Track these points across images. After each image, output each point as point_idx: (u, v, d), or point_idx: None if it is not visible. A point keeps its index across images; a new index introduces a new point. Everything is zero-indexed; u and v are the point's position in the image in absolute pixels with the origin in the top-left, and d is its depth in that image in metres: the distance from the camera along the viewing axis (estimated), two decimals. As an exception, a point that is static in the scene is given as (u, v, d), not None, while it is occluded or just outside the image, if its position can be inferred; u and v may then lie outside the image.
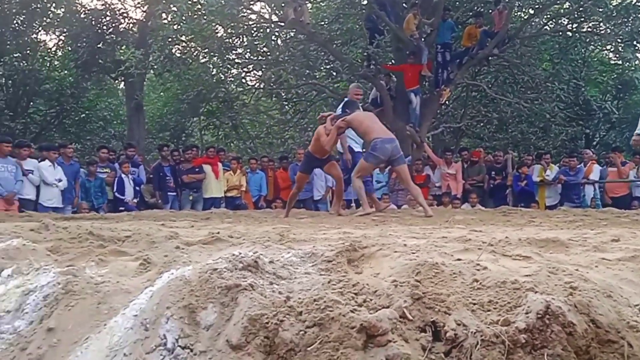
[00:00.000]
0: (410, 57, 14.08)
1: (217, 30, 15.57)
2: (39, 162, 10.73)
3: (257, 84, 18.56)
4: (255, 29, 16.07)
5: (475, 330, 1.76)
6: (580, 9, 15.63)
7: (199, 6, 14.23)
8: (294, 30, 15.28)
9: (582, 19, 16.73)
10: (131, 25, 20.41)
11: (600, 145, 21.57)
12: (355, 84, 10.35)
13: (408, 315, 1.85)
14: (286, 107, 19.47)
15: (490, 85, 18.05)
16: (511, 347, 1.72)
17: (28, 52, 19.83)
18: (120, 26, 20.08)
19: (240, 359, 1.76)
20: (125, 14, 20.11)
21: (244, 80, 18.34)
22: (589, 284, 1.98)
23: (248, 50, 16.65)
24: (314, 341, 1.74)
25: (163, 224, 5.51)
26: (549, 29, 17.51)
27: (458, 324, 1.80)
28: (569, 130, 18.91)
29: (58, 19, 19.95)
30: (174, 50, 16.13)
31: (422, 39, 14.23)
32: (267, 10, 16.18)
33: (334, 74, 17.48)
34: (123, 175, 11.86)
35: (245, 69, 17.46)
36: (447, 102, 16.43)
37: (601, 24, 16.40)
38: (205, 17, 14.15)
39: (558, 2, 16.06)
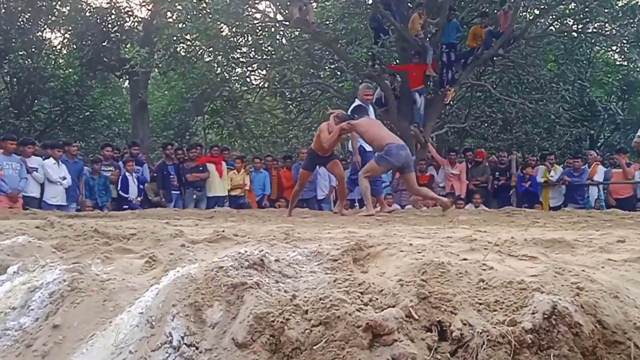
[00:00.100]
0: (415, 57, 14.07)
1: (222, 29, 15.58)
2: (44, 159, 10.74)
3: (262, 83, 18.58)
4: (260, 28, 16.07)
5: (482, 330, 1.76)
6: (586, 9, 15.58)
7: (204, 5, 14.23)
8: (299, 29, 15.27)
9: (588, 20, 16.69)
10: (136, 23, 20.42)
11: (604, 147, 21.51)
12: (365, 85, 10.29)
13: (414, 314, 1.84)
14: (290, 106, 19.46)
15: (494, 86, 18.05)
16: (517, 347, 1.72)
17: (33, 50, 19.81)
18: (125, 24, 20.06)
19: (245, 357, 1.76)
20: (130, 13, 20.12)
21: (248, 80, 18.39)
22: (596, 284, 1.97)
23: (253, 49, 16.63)
24: (320, 340, 1.74)
25: (167, 222, 5.51)
26: (554, 29, 17.46)
27: (464, 324, 1.80)
28: (573, 131, 18.85)
29: (63, 17, 19.96)
30: (178, 49, 16.12)
31: (427, 39, 14.21)
32: (272, 9, 16.17)
33: (339, 73, 17.47)
34: (127, 174, 11.86)
35: (249, 68, 17.46)
36: (451, 102, 16.39)
37: (607, 24, 16.36)
38: (210, 16, 14.14)
39: (563, 2, 16.01)
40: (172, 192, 12.44)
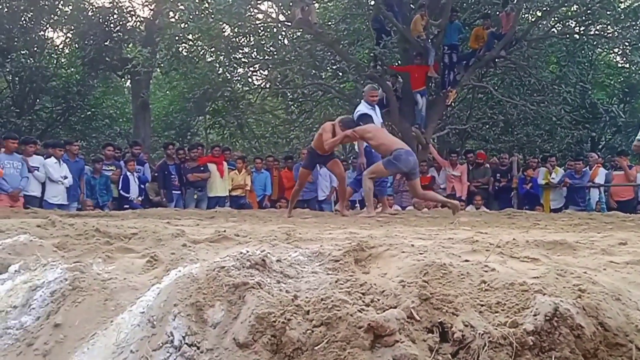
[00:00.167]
0: (417, 58, 14.07)
1: (224, 30, 15.58)
2: (45, 159, 10.76)
3: (263, 84, 18.58)
4: (262, 28, 16.07)
5: (483, 331, 1.75)
6: (588, 11, 15.59)
7: (206, 5, 14.25)
8: (301, 30, 15.26)
9: (590, 22, 16.69)
10: (138, 23, 20.44)
11: (606, 149, 21.50)
12: (371, 86, 10.25)
13: (415, 315, 1.84)
14: (292, 107, 19.45)
15: (496, 87, 18.04)
16: (519, 349, 1.71)
17: (35, 49, 19.85)
18: (127, 24, 20.10)
19: (247, 357, 1.76)
20: (132, 12, 20.17)
21: (250, 80, 18.37)
22: (598, 286, 1.97)
23: (254, 49, 16.63)
24: (321, 340, 1.74)
25: (168, 222, 5.51)
26: (556, 31, 17.46)
27: (466, 325, 1.80)
28: (574, 133, 18.86)
29: (66, 17, 19.99)
30: (180, 49, 16.14)
31: (429, 40, 14.21)
32: (274, 9, 16.18)
33: (340, 74, 17.45)
34: (128, 173, 11.88)
35: (251, 69, 17.44)
36: (453, 103, 16.38)
37: (609, 26, 16.36)
38: (212, 16, 14.15)
39: (566, 4, 16.01)
40: (173, 192, 12.45)
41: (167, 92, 23.96)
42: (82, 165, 11.68)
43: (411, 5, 15.26)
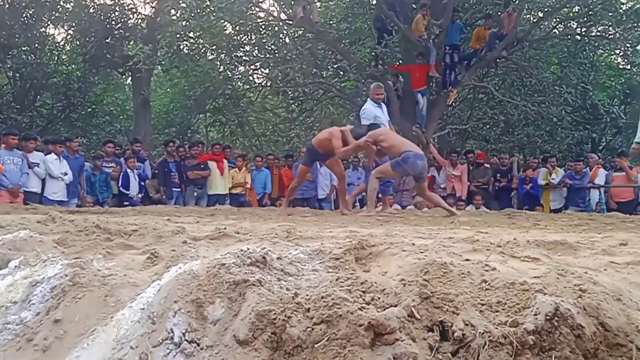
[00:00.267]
0: (419, 58, 14.09)
1: (225, 28, 15.60)
2: (45, 155, 10.75)
3: (264, 82, 18.57)
4: (263, 26, 16.09)
5: (483, 330, 1.75)
6: (590, 12, 15.61)
7: (208, 3, 14.24)
8: (302, 28, 15.27)
9: (592, 23, 16.72)
10: (140, 20, 20.44)
11: (606, 150, 21.50)
12: (376, 83, 10.22)
13: (416, 314, 1.84)
14: (292, 105, 19.44)
15: (497, 88, 18.04)
16: (519, 348, 1.71)
17: (36, 45, 19.84)
18: (129, 21, 20.10)
19: (247, 354, 1.75)
20: (134, 10, 20.16)
21: (251, 78, 18.37)
22: (598, 286, 1.97)
23: (256, 47, 16.65)
24: (322, 338, 1.74)
25: (168, 219, 5.51)
26: (557, 32, 17.50)
27: (466, 324, 1.80)
28: (575, 134, 18.89)
29: (67, 13, 19.98)
30: (182, 47, 16.16)
31: (431, 40, 14.22)
32: (276, 8, 16.20)
33: (342, 73, 17.45)
34: (128, 170, 11.87)
35: (252, 67, 17.43)
36: (454, 103, 16.41)
37: (610, 28, 16.40)
38: (213, 14, 14.15)
39: (567, 5, 16.02)
40: (173, 189, 12.45)
41: (168, 89, 23.95)
42: (82, 161, 11.68)
43: (413, 5, 15.26)
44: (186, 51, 16.31)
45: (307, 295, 1.90)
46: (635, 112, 21.65)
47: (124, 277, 2.35)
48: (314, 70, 16.46)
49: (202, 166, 12.72)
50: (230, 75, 16.99)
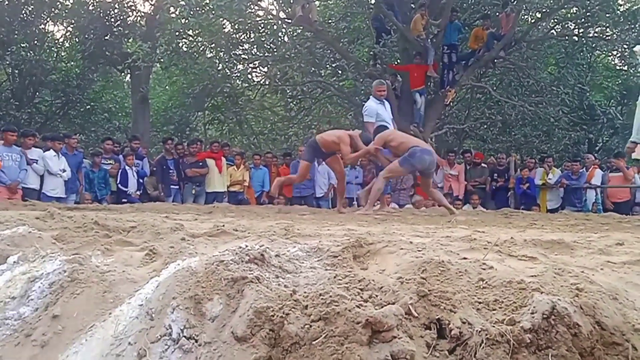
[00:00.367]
0: (417, 58, 14.10)
1: (224, 26, 15.57)
2: (44, 151, 10.75)
3: (263, 80, 18.56)
4: (262, 25, 16.06)
5: (481, 328, 1.76)
6: (588, 13, 15.61)
7: (207, 1, 14.22)
8: (301, 27, 15.26)
9: (589, 24, 16.71)
10: (139, 18, 20.41)
11: (602, 151, 21.54)
12: (379, 81, 10.17)
13: (413, 312, 1.85)
14: (291, 104, 19.43)
15: (495, 88, 18.06)
16: (516, 346, 1.72)
17: (35, 42, 19.81)
18: (128, 19, 20.06)
19: (245, 350, 1.76)
20: (133, 7, 20.11)
21: (249, 76, 18.34)
22: (595, 286, 1.98)
23: (254, 46, 16.63)
24: (319, 335, 1.74)
25: (167, 216, 5.51)
26: (555, 33, 17.52)
27: (463, 322, 1.81)
28: (572, 134, 18.92)
29: (66, 10, 19.93)
30: (180, 44, 16.12)
31: (429, 40, 14.23)
32: (275, 6, 16.20)
33: (340, 72, 17.45)
34: (127, 168, 11.87)
35: (251, 65, 17.41)
36: (451, 103, 16.41)
37: (608, 29, 16.40)
38: (213, 12, 14.13)
39: (565, 6, 16.04)
40: (171, 186, 12.44)
41: (167, 87, 23.94)
42: (80, 158, 11.68)
43: (411, 5, 15.27)
44: (185, 49, 16.27)
45: (305, 292, 1.91)
46: (632, 112, 21.67)
47: (122, 273, 2.36)
48: (313, 69, 16.46)
49: (201, 164, 12.71)
50: (229, 73, 16.96)
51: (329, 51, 16.45)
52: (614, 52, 19.18)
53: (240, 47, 16.68)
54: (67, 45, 21.77)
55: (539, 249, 2.99)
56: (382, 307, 1.84)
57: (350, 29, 17.10)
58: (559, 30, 17.54)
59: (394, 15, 14.05)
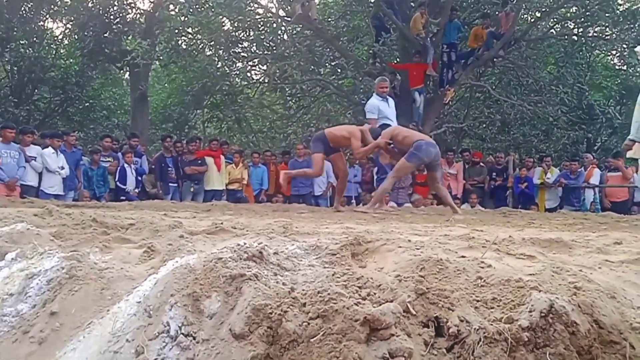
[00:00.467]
0: (416, 56, 14.10)
1: (223, 24, 15.59)
2: (42, 149, 10.74)
3: (262, 79, 18.58)
4: (261, 23, 16.07)
5: (478, 327, 1.76)
6: (587, 13, 15.61)
7: (206, -2, 14.26)
8: (301, 25, 15.27)
9: (589, 24, 16.73)
10: (138, 15, 20.39)
11: (601, 150, 21.54)
12: (381, 77, 10.10)
13: (411, 310, 1.85)
14: (290, 102, 19.44)
15: (494, 87, 18.07)
16: (514, 344, 1.72)
17: (35, 39, 19.79)
18: (127, 16, 20.04)
19: (242, 348, 1.76)
20: (132, 4, 20.10)
21: (248, 74, 18.37)
22: (593, 284, 1.98)
23: (254, 44, 16.63)
24: (317, 333, 1.75)
25: (165, 214, 5.51)
26: (555, 32, 17.52)
27: (461, 320, 1.81)
28: (571, 134, 18.92)
29: (66, 7, 19.90)
30: (180, 42, 16.13)
31: (428, 39, 14.23)
32: (275, 4, 16.20)
33: (339, 70, 17.45)
34: (125, 165, 11.85)
35: (250, 63, 17.43)
36: (450, 102, 16.42)
37: (607, 28, 16.41)
38: (212, 10, 14.14)
39: (565, 5, 16.04)
40: (170, 184, 12.43)
41: (166, 84, 23.95)
42: (79, 155, 11.68)
43: (411, 3, 15.27)
44: (184, 47, 16.29)
45: (303, 290, 1.91)
46: (631, 112, 21.67)
47: (120, 270, 2.36)
48: (312, 67, 16.46)
49: (199, 162, 12.70)
50: (228, 71, 16.95)
51: (328, 49, 16.45)
52: (613, 52, 19.18)
53: (240, 45, 16.68)
54: (66, 42, 21.75)
55: (537, 247, 2.99)
56: (380, 305, 1.84)
57: (350, 27, 17.11)
58: (559, 29, 17.54)
59: (394, 14, 14.06)
